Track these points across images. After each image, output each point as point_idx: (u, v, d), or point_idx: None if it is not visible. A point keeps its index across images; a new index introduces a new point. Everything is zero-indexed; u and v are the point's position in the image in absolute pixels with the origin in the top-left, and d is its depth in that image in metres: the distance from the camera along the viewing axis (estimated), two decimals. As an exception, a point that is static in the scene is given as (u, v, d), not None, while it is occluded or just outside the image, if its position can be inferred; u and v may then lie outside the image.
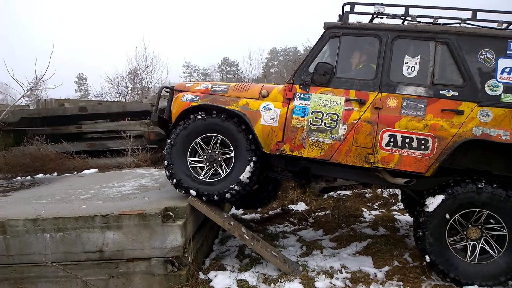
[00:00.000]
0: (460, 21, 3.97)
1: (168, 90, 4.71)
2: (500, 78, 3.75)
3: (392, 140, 3.84)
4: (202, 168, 4.21)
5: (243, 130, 4.06)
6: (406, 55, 3.92)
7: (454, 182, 3.81)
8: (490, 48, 3.77)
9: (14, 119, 8.99)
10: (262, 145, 4.07)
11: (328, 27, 4.07)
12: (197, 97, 4.32)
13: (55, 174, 7.20)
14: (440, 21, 4.02)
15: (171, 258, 3.61)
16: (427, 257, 3.81)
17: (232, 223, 4.23)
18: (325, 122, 3.96)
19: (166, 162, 4.15)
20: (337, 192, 7.09)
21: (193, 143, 4.15)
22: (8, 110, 8.81)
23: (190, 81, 4.68)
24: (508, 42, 3.76)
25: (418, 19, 4.07)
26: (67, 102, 13.16)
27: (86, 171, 7.27)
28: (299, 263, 4.26)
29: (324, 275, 3.90)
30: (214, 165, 4.19)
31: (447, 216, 3.75)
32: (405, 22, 4.18)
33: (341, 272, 4.04)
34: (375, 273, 4.04)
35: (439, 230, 3.78)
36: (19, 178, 7.01)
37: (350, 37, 4.10)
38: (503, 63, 3.75)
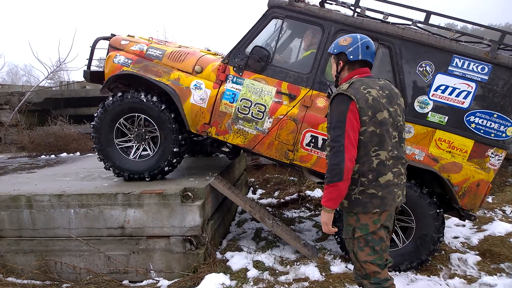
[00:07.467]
0: (411, 23, 3.61)
1: (105, 40, 4.42)
2: (432, 96, 3.53)
3: (313, 141, 3.75)
4: (131, 148, 4.15)
5: (164, 109, 3.90)
6: None
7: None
8: (431, 60, 3.49)
9: (38, 100, 9.25)
10: (189, 124, 3.94)
11: (272, 5, 3.72)
12: (130, 61, 4.08)
13: (78, 153, 7.40)
14: (391, 19, 3.63)
15: (189, 237, 3.69)
16: None
17: (253, 205, 4.28)
18: (252, 112, 3.82)
19: (95, 147, 4.11)
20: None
21: (117, 124, 4.05)
22: (33, 90, 9.04)
23: (128, 36, 4.43)
24: (453, 57, 3.44)
25: (368, 12, 3.67)
26: (89, 85, 13.39)
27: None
28: (317, 247, 4.29)
29: (339, 260, 3.91)
30: (143, 143, 4.13)
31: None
32: (356, 14, 3.74)
33: (357, 258, 4.04)
34: (391, 259, 4.03)
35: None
36: (43, 156, 7.23)
37: (293, 21, 3.77)
38: (440, 79, 3.50)
